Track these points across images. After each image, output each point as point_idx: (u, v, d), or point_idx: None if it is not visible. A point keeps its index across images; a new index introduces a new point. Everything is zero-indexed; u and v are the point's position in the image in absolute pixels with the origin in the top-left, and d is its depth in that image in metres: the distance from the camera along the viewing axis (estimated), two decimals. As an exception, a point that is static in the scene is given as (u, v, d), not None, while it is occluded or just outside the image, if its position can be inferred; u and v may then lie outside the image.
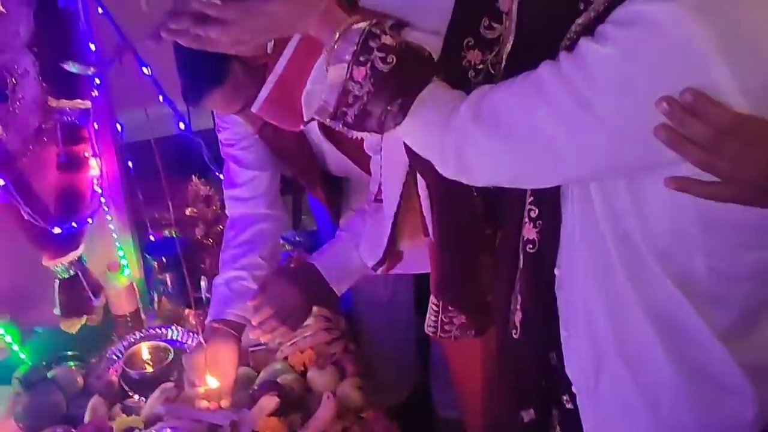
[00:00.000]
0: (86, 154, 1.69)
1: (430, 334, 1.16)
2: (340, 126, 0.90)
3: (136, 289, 1.85)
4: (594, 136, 0.77)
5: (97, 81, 1.63)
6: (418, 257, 1.33)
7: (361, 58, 0.87)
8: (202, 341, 1.52)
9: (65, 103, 1.64)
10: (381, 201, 1.38)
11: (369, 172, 1.50)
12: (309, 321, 1.69)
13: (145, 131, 2.12)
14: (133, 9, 1.89)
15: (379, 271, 1.40)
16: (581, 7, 0.81)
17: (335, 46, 0.88)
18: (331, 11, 0.91)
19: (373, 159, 1.43)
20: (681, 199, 0.76)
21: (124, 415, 1.53)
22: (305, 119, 0.95)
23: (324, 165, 1.67)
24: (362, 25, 0.89)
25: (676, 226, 0.81)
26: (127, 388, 1.63)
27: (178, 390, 1.57)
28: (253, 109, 1.02)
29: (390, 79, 0.86)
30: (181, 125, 1.91)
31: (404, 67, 0.86)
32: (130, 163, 1.93)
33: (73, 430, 1.50)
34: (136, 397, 1.61)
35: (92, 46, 1.66)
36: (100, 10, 1.73)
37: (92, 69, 1.54)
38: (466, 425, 1.77)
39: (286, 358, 1.67)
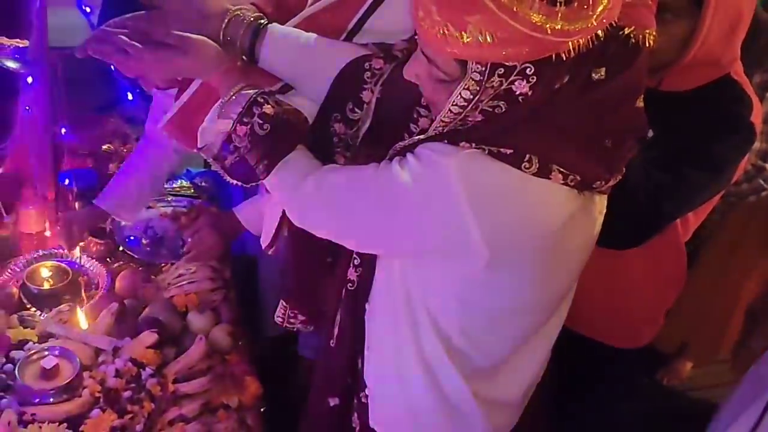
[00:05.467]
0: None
1: (278, 322, 1.44)
2: (219, 168, 1.13)
3: (46, 211, 2.00)
4: (386, 227, 1.05)
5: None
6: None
7: (245, 119, 1.09)
8: None
9: (5, 41, 1.78)
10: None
11: None
12: (197, 269, 1.97)
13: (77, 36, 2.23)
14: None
15: (270, 252, 1.64)
16: (411, 128, 1.10)
17: (227, 103, 1.11)
18: (229, 73, 1.14)
19: None
20: (450, 284, 1.06)
21: (21, 327, 1.74)
22: (198, 146, 1.18)
23: None
24: (250, 92, 1.11)
25: (442, 301, 1.10)
26: (25, 301, 1.82)
27: (72, 313, 1.80)
28: (160, 125, 1.25)
29: (263, 142, 1.09)
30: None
31: (276, 134, 1.10)
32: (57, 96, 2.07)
33: (-27, 332, 1.69)
34: (33, 309, 1.80)
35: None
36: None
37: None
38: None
39: (172, 298, 1.88)
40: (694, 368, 2.75)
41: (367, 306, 1.22)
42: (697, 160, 1.40)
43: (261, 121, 1.09)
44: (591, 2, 0.86)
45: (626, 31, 0.92)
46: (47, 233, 2.01)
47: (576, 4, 0.85)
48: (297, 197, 1.12)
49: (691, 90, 1.43)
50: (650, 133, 1.31)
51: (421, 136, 1.03)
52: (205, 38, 1.14)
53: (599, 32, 0.88)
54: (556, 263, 1.04)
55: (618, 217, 1.12)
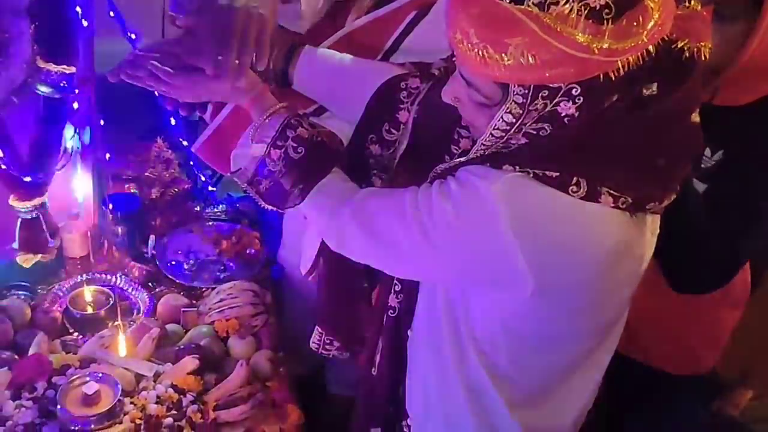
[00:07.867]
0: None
1: (314, 348, 1.41)
2: (253, 192, 1.10)
3: (89, 236, 2.03)
4: (427, 255, 1.00)
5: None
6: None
7: (278, 143, 1.07)
8: None
9: (52, 67, 1.80)
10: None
11: None
12: (238, 294, 1.95)
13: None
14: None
15: (310, 278, 1.60)
16: (452, 150, 1.05)
17: (260, 127, 1.09)
18: (262, 96, 1.12)
19: None
20: (495, 312, 1.01)
21: (63, 352, 1.74)
22: (231, 171, 1.16)
23: None
24: (284, 115, 1.09)
25: (488, 329, 1.06)
26: (68, 325, 1.83)
27: (113, 338, 1.79)
28: (193, 149, 1.23)
29: (298, 165, 1.07)
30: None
31: (311, 158, 1.07)
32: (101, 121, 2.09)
33: (16, 357, 1.70)
34: (75, 334, 1.81)
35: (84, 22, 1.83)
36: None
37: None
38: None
39: (212, 323, 1.88)
40: (755, 399, 2.61)
41: (409, 333, 1.18)
42: None
43: (295, 145, 1.06)
44: (641, 18, 0.81)
45: (679, 44, 0.87)
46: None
47: (624, 21, 0.80)
48: (334, 223, 1.08)
49: (747, 105, 1.35)
50: (711, 162, 1.25)
51: (462, 159, 0.99)
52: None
53: (650, 47, 0.82)
54: (606, 290, 0.99)
55: (697, 265, 1.07)
